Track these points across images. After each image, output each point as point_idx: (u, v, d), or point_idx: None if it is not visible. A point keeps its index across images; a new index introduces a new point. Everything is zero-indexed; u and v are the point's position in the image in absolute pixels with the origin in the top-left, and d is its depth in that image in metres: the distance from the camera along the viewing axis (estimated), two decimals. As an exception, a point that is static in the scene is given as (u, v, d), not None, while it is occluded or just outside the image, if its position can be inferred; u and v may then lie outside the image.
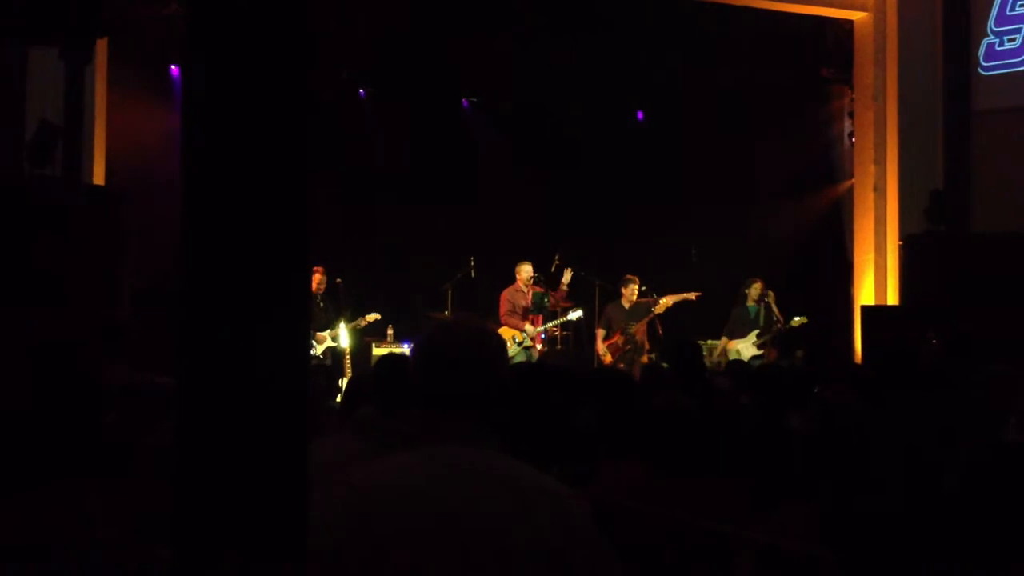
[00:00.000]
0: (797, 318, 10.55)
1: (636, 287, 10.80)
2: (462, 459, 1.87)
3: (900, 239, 11.14)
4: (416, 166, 12.09)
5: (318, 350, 10.40)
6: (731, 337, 10.82)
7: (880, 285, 11.47)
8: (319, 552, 1.75)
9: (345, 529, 1.79)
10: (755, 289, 10.78)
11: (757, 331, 10.67)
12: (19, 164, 7.69)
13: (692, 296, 10.74)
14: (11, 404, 1.86)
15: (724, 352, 10.74)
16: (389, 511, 1.80)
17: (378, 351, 10.48)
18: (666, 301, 10.72)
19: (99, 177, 9.79)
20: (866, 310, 10.74)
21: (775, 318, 10.58)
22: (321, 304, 10.47)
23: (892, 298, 11.31)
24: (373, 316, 10.68)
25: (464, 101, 12.89)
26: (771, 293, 10.76)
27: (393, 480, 1.85)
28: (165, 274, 8.10)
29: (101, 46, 9.39)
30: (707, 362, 9.48)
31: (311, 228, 1.88)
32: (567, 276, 10.90)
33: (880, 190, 11.57)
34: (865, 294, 11.57)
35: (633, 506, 2.62)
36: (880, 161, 11.57)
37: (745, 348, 10.57)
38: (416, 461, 1.89)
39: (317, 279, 10.44)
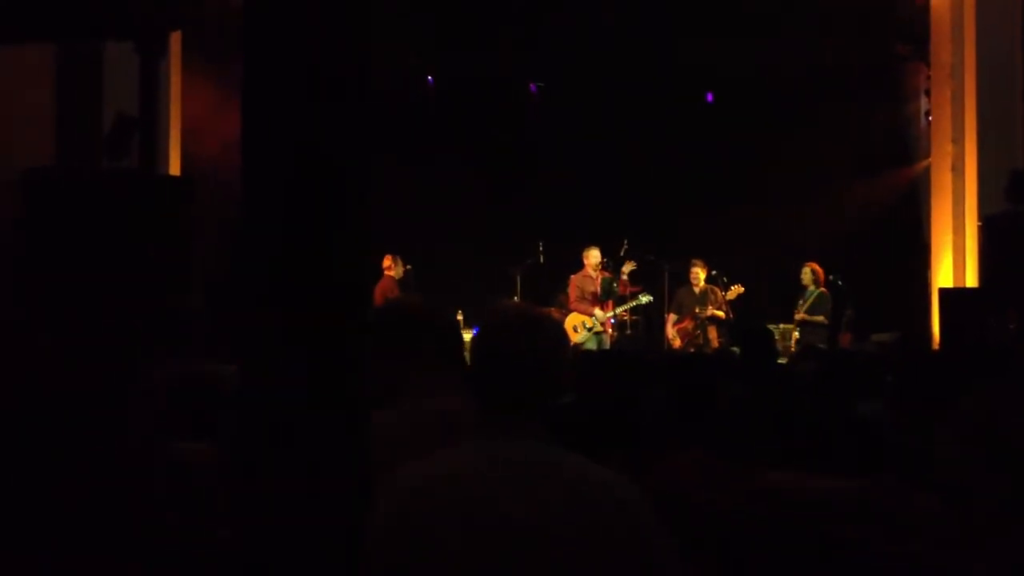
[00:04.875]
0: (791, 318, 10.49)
1: (700, 271, 10.75)
2: (513, 453, 1.86)
3: (979, 220, 10.85)
4: (484, 151, 12.11)
5: None
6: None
7: (959, 267, 11.20)
8: (369, 547, 1.77)
9: (395, 525, 1.79)
10: (806, 273, 10.68)
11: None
12: (97, 157, 7.86)
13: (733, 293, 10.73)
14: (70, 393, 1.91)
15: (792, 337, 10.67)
16: (439, 506, 1.79)
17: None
18: (737, 288, 10.67)
19: (175, 168, 9.99)
20: (944, 293, 10.49)
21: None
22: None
23: (971, 280, 11.04)
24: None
25: (532, 85, 12.87)
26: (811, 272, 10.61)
27: (443, 474, 1.85)
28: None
29: (175, 39, 9.56)
30: (779, 347, 9.38)
31: (376, 216, 1.88)
32: (627, 268, 10.85)
33: (958, 170, 11.27)
34: (943, 276, 11.30)
35: (699, 495, 2.60)
36: (958, 140, 11.27)
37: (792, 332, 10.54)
38: (467, 455, 1.88)
39: (387, 266, 10.59)
